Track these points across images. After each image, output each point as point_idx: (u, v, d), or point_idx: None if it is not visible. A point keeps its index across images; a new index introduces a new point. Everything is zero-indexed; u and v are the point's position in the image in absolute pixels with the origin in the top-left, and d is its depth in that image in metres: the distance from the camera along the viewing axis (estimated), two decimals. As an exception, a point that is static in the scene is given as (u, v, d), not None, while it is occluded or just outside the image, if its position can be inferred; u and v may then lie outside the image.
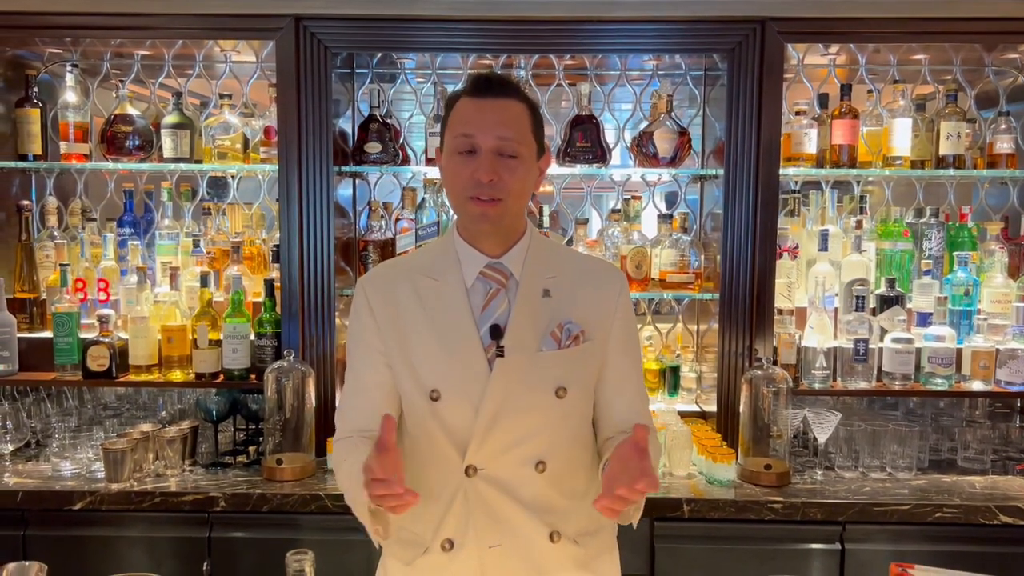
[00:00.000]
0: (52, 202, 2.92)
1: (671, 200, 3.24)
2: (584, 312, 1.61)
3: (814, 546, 2.37)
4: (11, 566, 1.00)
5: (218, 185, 3.08)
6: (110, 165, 2.83)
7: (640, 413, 1.68)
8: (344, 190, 2.85)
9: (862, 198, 2.85)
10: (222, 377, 2.68)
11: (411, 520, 1.57)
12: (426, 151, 2.82)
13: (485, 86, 1.55)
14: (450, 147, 1.56)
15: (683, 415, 2.76)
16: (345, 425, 1.66)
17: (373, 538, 1.50)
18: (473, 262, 1.60)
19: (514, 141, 1.52)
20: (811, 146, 2.73)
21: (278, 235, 2.66)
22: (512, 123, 1.53)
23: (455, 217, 1.68)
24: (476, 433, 1.55)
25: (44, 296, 2.85)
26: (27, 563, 0.96)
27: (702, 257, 2.83)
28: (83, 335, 2.69)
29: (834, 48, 2.70)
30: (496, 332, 1.56)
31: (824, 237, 2.71)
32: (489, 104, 1.53)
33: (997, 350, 2.61)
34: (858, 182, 2.91)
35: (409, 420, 1.63)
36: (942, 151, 2.75)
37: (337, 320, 2.69)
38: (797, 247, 2.78)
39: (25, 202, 2.87)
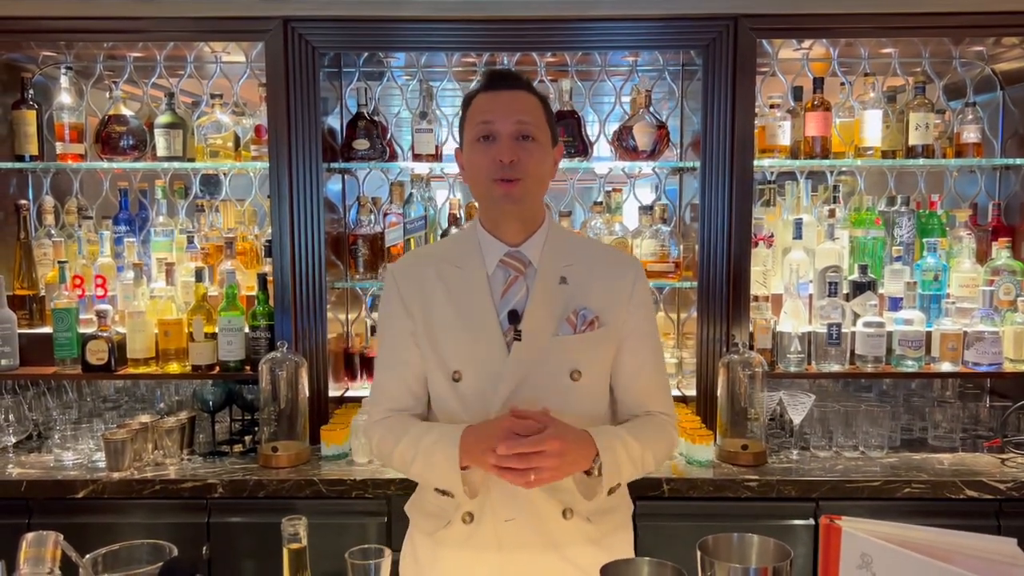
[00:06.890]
0: (49, 201, 3.00)
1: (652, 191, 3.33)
2: (599, 299, 1.68)
3: (789, 522, 2.47)
4: (30, 536, 1.08)
5: (211, 183, 3.15)
6: (105, 164, 2.91)
7: (654, 397, 1.74)
8: (333, 186, 2.93)
9: (835, 187, 2.94)
10: (218, 369, 2.76)
11: (438, 494, 1.66)
12: (413, 147, 2.90)
13: (499, 80, 1.65)
14: (470, 137, 1.64)
15: (665, 400, 2.85)
16: (379, 404, 1.74)
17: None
18: (494, 250, 1.69)
19: (531, 124, 1.61)
20: (785, 138, 2.82)
21: (270, 230, 2.74)
22: (528, 110, 1.62)
23: (477, 207, 1.77)
24: (493, 413, 1.62)
25: (43, 293, 2.93)
26: (45, 532, 1.04)
27: (681, 247, 2.92)
28: (82, 330, 2.77)
29: (807, 43, 2.78)
30: (514, 317, 1.64)
31: (798, 226, 2.80)
32: (504, 94, 1.63)
33: (965, 332, 2.71)
34: (831, 172, 3.00)
35: (433, 400, 1.72)
36: (912, 141, 2.83)
37: (329, 312, 2.77)
38: (772, 236, 2.87)
39: (23, 201, 2.95)
